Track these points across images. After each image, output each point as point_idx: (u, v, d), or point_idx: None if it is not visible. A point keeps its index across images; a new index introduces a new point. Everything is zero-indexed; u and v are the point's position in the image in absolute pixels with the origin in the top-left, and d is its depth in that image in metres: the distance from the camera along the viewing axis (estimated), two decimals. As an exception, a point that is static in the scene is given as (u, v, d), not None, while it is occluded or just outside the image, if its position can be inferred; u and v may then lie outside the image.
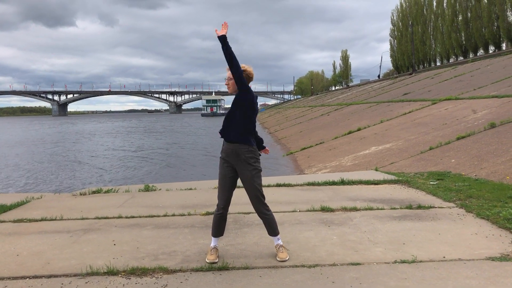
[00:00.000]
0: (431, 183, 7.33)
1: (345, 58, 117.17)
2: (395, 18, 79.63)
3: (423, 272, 3.55)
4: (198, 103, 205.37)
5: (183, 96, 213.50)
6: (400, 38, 76.57)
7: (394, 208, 5.70)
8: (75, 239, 4.66)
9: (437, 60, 67.31)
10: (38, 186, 14.78)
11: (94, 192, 7.35)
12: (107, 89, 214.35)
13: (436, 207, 5.66)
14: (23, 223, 5.42)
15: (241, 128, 3.87)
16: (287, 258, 3.91)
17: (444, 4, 61.80)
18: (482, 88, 19.05)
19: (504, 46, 51.75)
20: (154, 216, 5.58)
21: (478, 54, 54.55)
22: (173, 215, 5.61)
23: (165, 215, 5.59)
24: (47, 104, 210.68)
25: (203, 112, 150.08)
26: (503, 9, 48.12)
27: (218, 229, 4.08)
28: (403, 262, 3.80)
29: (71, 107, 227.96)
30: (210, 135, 41.00)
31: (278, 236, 4.05)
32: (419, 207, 5.68)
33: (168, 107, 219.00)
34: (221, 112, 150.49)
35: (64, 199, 6.97)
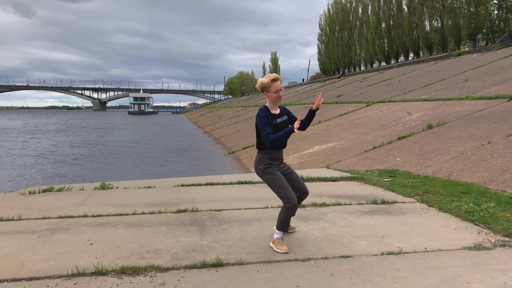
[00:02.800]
0: (385, 180, 7.68)
1: (274, 60, 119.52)
2: (323, 23, 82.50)
3: (413, 263, 3.72)
4: (124, 101, 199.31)
5: (108, 93, 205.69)
6: (328, 42, 79.42)
7: (361, 203, 5.90)
8: (45, 240, 4.33)
9: (362, 65, 70.62)
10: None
11: (45, 191, 6.86)
12: (25, 84, 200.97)
13: (399, 202, 5.94)
14: (-24, 225, 4.93)
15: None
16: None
17: (369, 12, 65.01)
18: (412, 91, 20.29)
19: (421, 53, 55.53)
20: (123, 214, 5.33)
21: (399, 60, 58.01)
22: (143, 213, 5.39)
23: (134, 214, 5.36)
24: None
25: (130, 110, 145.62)
26: (421, 19, 51.65)
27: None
28: (390, 253, 3.94)
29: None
30: (141, 133, 39.92)
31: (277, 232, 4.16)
32: (384, 202, 5.93)
33: (91, 104, 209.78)
34: (149, 110, 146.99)
35: (14, 198, 6.44)
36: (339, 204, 5.84)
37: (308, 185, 7.29)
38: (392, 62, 58.18)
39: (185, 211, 5.48)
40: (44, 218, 5.17)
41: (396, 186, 6.98)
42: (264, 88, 4.06)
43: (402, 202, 5.95)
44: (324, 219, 5.11)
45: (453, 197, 6.01)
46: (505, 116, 10.73)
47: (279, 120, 4.09)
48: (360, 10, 68.97)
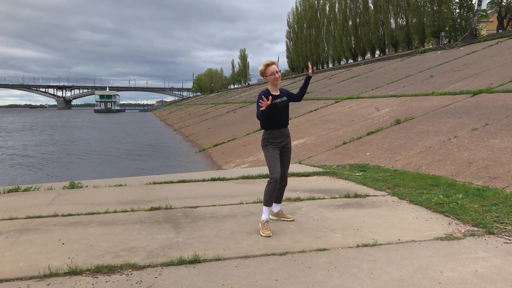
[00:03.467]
0: (356, 174, 7.80)
1: (243, 57, 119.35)
2: (291, 20, 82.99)
3: (388, 254, 3.78)
4: (90, 99, 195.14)
5: (72, 91, 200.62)
6: (296, 40, 79.94)
7: (334, 197, 5.97)
8: (13, 240, 4.18)
9: (330, 62, 71.43)
10: None
11: (10, 191, 6.63)
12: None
13: (371, 196, 6.04)
14: None
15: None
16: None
17: (336, 10, 65.77)
18: (379, 88, 20.68)
19: (387, 50, 56.66)
20: (95, 213, 5.21)
21: (366, 57, 59.00)
22: (115, 211, 5.29)
23: (106, 212, 5.24)
24: None
25: (96, 108, 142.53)
26: (387, 17, 52.65)
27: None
28: (365, 245, 4.00)
29: None
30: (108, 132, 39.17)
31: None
32: (356, 195, 6.02)
33: (55, 102, 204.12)
34: (116, 108, 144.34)
35: (-23, 199, 6.19)
36: (313, 199, 5.89)
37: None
38: (359, 59, 59.08)
39: (158, 208, 5.40)
40: (11, 218, 4.99)
41: (368, 180, 7.10)
42: (263, 74, 4.52)
43: (374, 196, 6.05)
44: (299, 213, 5.14)
45: (423, 189, 6.16)
46: (469, 111, 11.08)
47: (278, 100, 4.49)
48: (327, 8, 69.66)
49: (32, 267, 3.49)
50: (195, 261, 3.64)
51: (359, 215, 5.07)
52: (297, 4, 79.75)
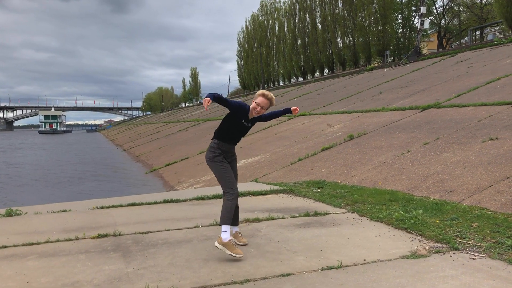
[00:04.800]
0: (314, 191, 7.64)
1: (194, 76, 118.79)
2: (241, 39, 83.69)
3: (355, 277, 3.57)
4: (34, 120, 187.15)
5: (15, 112, 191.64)
6: (247, 58, 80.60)
7: (294, 216, 5.74)
8: None
9: (280, 80, 72.40)
10: None
11: None
12: None
13: (331, 213, 5.87)
14: None
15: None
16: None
17: (285, 29, 67.00)
18: (330, 104, 20.95)
19: (335, 69, 58.15)
20: (34, 243, 4.69)
21: (315, 75, 60.26)
22: (57, 240, 4.80)
23: (47, 242, 4.74)
24: None
25: (41, 129, 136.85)
26: (334, 36, 54.14)
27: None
28: (330, 268, 3.78)
29: None
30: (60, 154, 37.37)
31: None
32: (316, 214, 5.83)
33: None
34: (62, 129, 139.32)
35: None
36: (272, 219, 5.64)
37: (239, 200, 7.02)
38: (309, 78, 60.21)
39: (106, 235, 4.96)
40: None
41: (326, 197, 6.95)
42: (255, 98, 4.34)
43: (334, 213, 5.89)
44: (259, 235, 4.87)
45: (382, 205, 6.07)
46: (420, 126, 11.31)
47: (247, 124, 4.38)
48: (276, 27, 70.86)
49: (-46, 313, 3.00)
50: (147, 294, 3.27)
51: (321, 234, 4.86)
52: (247, 23, 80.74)
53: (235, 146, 4.52)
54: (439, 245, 4.34)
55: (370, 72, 33.66)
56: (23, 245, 4.66)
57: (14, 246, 4.63)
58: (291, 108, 4.68)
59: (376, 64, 42.81)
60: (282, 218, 5.69)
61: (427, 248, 4.26)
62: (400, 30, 44.49)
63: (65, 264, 4.02)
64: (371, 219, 5.47)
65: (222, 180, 4.27)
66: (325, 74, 58.72)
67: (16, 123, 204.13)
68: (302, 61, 62.97)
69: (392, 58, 42.32)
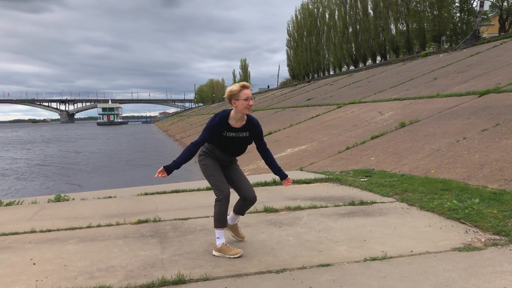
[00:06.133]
0: (361, 180, 7.33)
1: (244, 67, 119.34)
2: (291, 28, 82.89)
3: (400, 269, 3.31)
4: (93, 112, 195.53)
5: (75, 105, 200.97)
6: (296, 48, 79.77)
7: (338, 205, 5.50)
8: (-21, 262, 3.73)
9: (331, 69, 71.13)
10: None
11: (-9, 206, 6.19)
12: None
13: (378, 202, 5.57)
14: None
15: None
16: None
17: (336, 17, 65.59)
18: (382, 92, 20.24)
19: (388, 56, 56.29)
20: (76, 228, 4.75)
21: (367, 63, 58.65)
22: (99, 226, 4.83)
23: (89, 227, 4.79)
24: None
25: (99, 121, 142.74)
26: (387, 23, 52.34)
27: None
28: (373, 259, 3.53)
29: None
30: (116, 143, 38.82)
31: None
32: (362, 203, 5.55)
33: (59, 116, 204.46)
34: (119, 120, 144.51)
35: (-47, 215, 5.75)
36: (315, 207, 5.42)
37: (281, 188, 6.86)
38: (360, 66, 58.75)
39: (146, 221, 4.94)
40: (-17, 236, 4.54)
41: (373, 186, 6.63)
42: (233, 96, 3.60)
43: (381, 202, 5.58)
44: (299, 224, 4.68)
45: (434, 194, 5.69)
46: (477, 112, 10.61)
47: (232, 134, 3.68)
48: (327, 16, 69.51)
49: (-9, 293, 3.04)
50: (179, 281, 3.18)
51: (366, 224, 4.60)
52: (297, 12, 79.80)
53: (235, 159, 3.98)
54: (497, 237, 3.96)
55: (424, 58, 32.25)
56: (65, 229, 4.73)
57: (58, 230, 4.71)
58: (284, 180, 4.02)
59: (432, 50, 41.00)
60: (325, 206, 5.46)
61: (482, 240, 3.90)
62: (458, 15, 42.34)
63: (103, 249, 4.02)
64: (421, 208, 5.13)
65: (209, 180, 3.82)
66: (377, 61, 57.04)
67: (76, 115, 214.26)
68: (353, 49, 61.49)
69: (448, 43, 40.37)
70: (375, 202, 5.57)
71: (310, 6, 75.03)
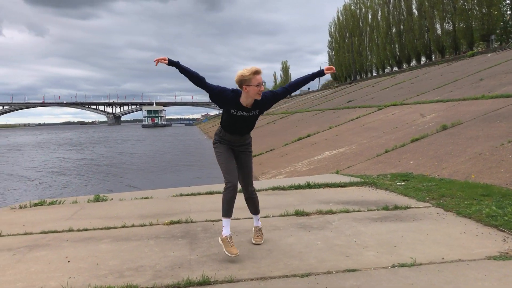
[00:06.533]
0: (398, 184, 7.16)
1: (285, 69, 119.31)
2: (332, 30, 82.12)
3: (428, 276, 3.22)
4: (138, 114, 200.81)
5: (122, 107, 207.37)
6: (338, 49, 78.96)
7: (371, 210, 5.40)
8: (19, 258, 3.92)
9: (373, 70, 69.91)
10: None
11: (36, 205, 6.49)
12: (41, 101, 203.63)
13: (413, 207, 5.43)
14: (-49, 242, 4.56)
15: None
16: (262, 242, 4.10)
17: (379, 17, 64.44)
18: (425, 93, 19.69)
19: (433, 57, 54.66)
20: (111, 227, 4.91)
21: (411, 64, 57.22)
22: (133, 226, 4.97)
23: (123, 226, 4.94)
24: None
25: (144, 123, 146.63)
26: (432, 23, 50.89)
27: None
28: (402, 266, 3.45)
29: (0, 120, 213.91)
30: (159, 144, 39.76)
31: (259, 216, 4.21)
32: (396, 207, 5.42)
33: (106, 119, 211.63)
34: (163, 123, 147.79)
35: (1, 213, 6.08)
36: (347, 211, 5.35)
37: (314, 192, 6.82)
38: (404, 67, 57.40)
39: (178, 222, 5.04)
40: (26, 233, 4.78)
41: (410, 190, 6.46)
42: (244, 82, 3.60)
43: (416, 207, 5.44)
44: (329, 228, 4.63)
45: (472, 200, 5.48)
46: (525, 114, 10.13)
47: (243, 113, 3.73)
48: (369, 16, 68.47)
49: (27, 288, 3.19)
50: (203, 283, 3.23)
51: (398, 229, 4.49)
52: (339, 14, 78.97)
53: (247, 136, 3.99)
54: (536, 246, 3.77)
55: (470, 59, 31.10)
56: (101, 228, 4.89)
57: (94, 229, 4.88)
58: (325, 68, 3.96)
59: (480, 50, 39.48)
60: (358, 211, 5.38)
61: (520, 249, 3.73)
62: (508, 12, 40.60)
63: (134, 248, 4.13)
64: (458, 214, 4.95)
65: (220, 167, 3.91)
66: (422, 62, 55.52)
67: (122, 118, 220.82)
68: (397, 49, 60.23)
69: (498, 43, 38.75)
70: (410, 207, 5.44)
71: (352, 7, 74.15)
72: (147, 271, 3.51)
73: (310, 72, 4.01)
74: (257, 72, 3.60)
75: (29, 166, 24.11)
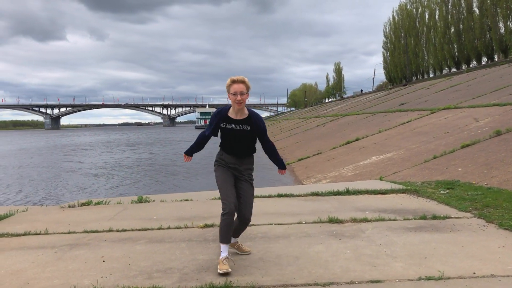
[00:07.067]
0: (441, 192, 6.93)
1: (338, 71, 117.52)
2: (387, 30, 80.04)
3: (455, 291, 3.12)
4: (192, 116, 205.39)
5: (176, 109, 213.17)
6: (393, 50, 76.88)
7: (408, 219, 5.27)
8: (60, 256, 4.18)
9: (430, 71, 67.50)
10: (28, 198, 14.22)
11: (83, 204, 6.86)
12: (100, 103, 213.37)
13: (452, 217, 5.25)
14: (5, 238, 4.94)
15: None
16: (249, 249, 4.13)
17: (436, 17, 62.14)
18: (481, 96, 18.81)
19: (496, 57, 51.95)
20: (148, 229, 5.12)
21: (471, 65, 54.73)
22: (169, 228, 5.15)
23: (159, 228, 5.13)
24: (40, 118, 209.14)
25: (196, 124, 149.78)
26: (495, 21, 48.37)
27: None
28: (429, 279, 3.36)
29: (63, 121, 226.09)
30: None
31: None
32: (434, 217, 5.26)
33: (161, 120, 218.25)
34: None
35: (51, 211, 6.48)
36: (382, 220, 5.25)
37: (353, 198, 6.74)
38: (463, 67, 55.02)
39: (212, 225, 5.17)
40: (69, 232, 5.08)
41: (453, 199, 6.23)
42: (226, 90, 3.73)
43: (456, 217, 5.25)
44: (361, 237, 4.57)
45: (519, 212, 5.21)
46: None
47: (232, 126, 3.75)
48: (426, 16, 66.16)
49: (63, 286, 3.41)
50: (226, 287, 3.30)
51: (432, 240, 4.37)
52: (394, 13, 76.91)
53: (246, 161, 3.89)
54: None
55: (535, 59, 29.30)
56: (139, 230, 5.11)
57: (132, 230, 5.10)
58: (279, 170, 4.14)
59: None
60: (394, 219, 5.27)
61: (561, 266, 3.52)
62: None
63: (166, 250, 4.28)
64: (499, 226, 4.74)
65: (219, 191, 3.85)
66: (483, 63, 52.95)
67: (177, 119, 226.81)
68: (456, 50, 57.77)
69: None
70: (449, 217, 5.26)
71: (408, 7, 71.95)
72: (175, 274, 3.63)
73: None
74: (234, 82, 3.66)
75: (88, 165, 25.32)
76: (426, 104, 23.19)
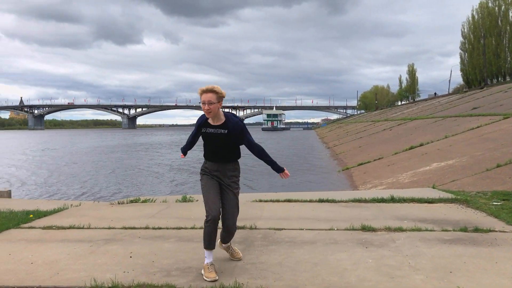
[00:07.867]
0: (494, 203, 6.51)
1: (411, 72, 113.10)
2: (465, 30, 75.83)
3: (470, 309, 2.95)
4: (259, 118, 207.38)
5: (245, 111, 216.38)
6: (472, 51, 72.68)
7: (446, 230, 5.02)
8: (94, 249, 4.47)
9: (514, 73, 63.05)
10: (99, 193, 15.17)
11: (132, 202, 7.25)
12: (173, 104, 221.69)
13: (496, 231, 4.93)
14: (51, 230, 5.34)
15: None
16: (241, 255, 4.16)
17: (521, 14, 58.01)
18: (561, 101, 17.35)
19: None
20: (182, 228, 5.31)
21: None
22: (201, 227, 5.25)
23: (192, 228, 5.30)
24: (118, 117, 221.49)
25: (263, 126, 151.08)
26: None
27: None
28: (445, 295, 3.21)
29: (139, 121, 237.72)
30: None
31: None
32: (476, 230, 4.97)
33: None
34: (282, 126, 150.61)
35: (101, 207, 6.91)
36: (419, 230, 5.05)
37: (395, 206, 6.53)
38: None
39: (242, 228, 5.25)
40: (109, 228, 5.39)
41: (504, 212, 5.85)
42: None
43: (500, 231, 4.93)
44: (389, 246, 4.44)
45: None
46: None
47: (211, 130, 3.82)
48: (510, 14, 61.98)
49: (87, 278, 3.63)
50: (234, 289, 3.37)
51: (464, 254, 4.14)
52: (473, 12, 72.69)
53: (229, 167, 3.92)
54: None
55: None
56: (172, 228, 5.31)
57: (166, 228, 5.32)
58: (282, 172, 4.04)
59: None
60: (431, 230, 5.04)
61: None
62: None
63: (191, 250, 4.43)
64: (546, 244, 4.38)
65: (203, 198, 3.90)
66: None
67: (245, 121, 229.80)
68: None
69: None
70: (493, 231, 4.94)
71: (489, 5, 67.75)
72: (192, 273, 3.76)
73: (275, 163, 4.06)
74: (203, 91, 3.71)
75: (159, 163, 26.47)
76: (500, 109, 21.75)
